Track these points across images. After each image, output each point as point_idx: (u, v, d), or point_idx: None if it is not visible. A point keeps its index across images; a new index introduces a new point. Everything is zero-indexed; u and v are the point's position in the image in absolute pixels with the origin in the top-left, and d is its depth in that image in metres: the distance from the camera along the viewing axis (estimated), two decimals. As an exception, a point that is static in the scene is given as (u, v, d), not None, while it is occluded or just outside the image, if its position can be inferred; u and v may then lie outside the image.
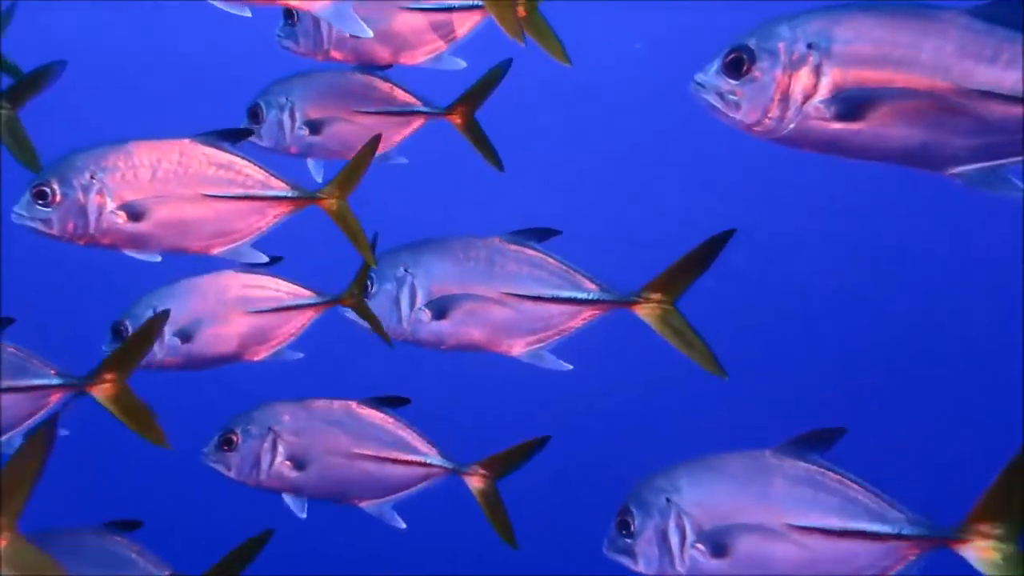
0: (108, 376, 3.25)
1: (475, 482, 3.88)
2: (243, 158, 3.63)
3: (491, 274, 3.78)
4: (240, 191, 3.60)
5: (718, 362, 3.40)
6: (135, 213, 3.53)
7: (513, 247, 3.82)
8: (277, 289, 3.97)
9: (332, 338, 4.15)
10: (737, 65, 2.51)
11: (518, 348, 3.82)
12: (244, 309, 3.86)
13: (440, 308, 3.79)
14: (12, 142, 3.78)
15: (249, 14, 3.20)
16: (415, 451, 3.95)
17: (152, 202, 3.53)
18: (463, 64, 3.96)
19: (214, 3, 3.14)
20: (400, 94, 4.07)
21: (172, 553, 3.73)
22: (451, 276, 3.79)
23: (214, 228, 3.62)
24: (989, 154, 2.43)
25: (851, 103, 2.43)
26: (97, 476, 10.76)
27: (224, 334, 3.87)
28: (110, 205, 3.51)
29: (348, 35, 3.76)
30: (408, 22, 3.80)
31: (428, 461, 3.95)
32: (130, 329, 3.80)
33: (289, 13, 3.82)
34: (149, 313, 3.72)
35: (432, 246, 3.88)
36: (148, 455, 3.54)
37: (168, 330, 3.70)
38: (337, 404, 3.98)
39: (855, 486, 3.01)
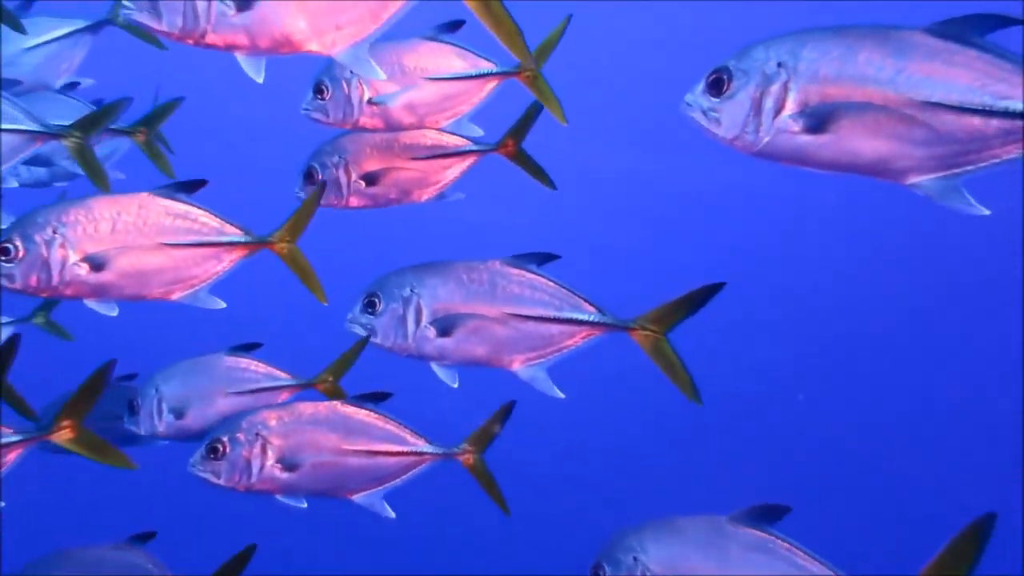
0: (66, 423, 3.48)
1: (467, 460, 4.08)
2: (198, 207, 3.83)
3: (493, 295, 3.97)
4: (196, 238, 3.80)
5: (696, 390, 3.73)
6: (97, 264, 3.71)
7: (514, 270, 4.01)
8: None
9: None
10: (718, 84, 2.75)
11: (517, 364, 4.01)
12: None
13: (444, 326, 3.97)
14: (86, 168, 4.13)
15: (262, 79, 3.33)
16: (404, 442, 4.11)
17: (113, 253, 3.71)
18: (480, 132, 4.22)
19: (239, 60, 3.30)
20: (449, 137, 4.23)
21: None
22: (455, 296, 3.98)
23: (173, 275, 3.82)
24: (945, 164, 2.62)
25: (816, 117, 2.64)
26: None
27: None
28: (73, 257, 3.68)
29: (378, 111, 3.97)
30: (432, 91, 4.01)
31: (421, 450, 4.10)
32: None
33: (319, 88, 3.96)
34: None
35: (436, 268, 4.06)
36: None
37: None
38: (321, 405, 4.11)
39: (803, 555, 3.27)
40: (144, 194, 3.82)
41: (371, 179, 4.14)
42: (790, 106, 2.65)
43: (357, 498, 4.12)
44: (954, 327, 16.68)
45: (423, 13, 3.45)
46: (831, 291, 16.92)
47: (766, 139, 2.70)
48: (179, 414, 4.30)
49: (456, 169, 4.27)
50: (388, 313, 4.01)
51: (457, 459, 4.09)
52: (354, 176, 4.10)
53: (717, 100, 2.74)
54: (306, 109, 4.01)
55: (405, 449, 4.09)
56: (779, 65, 2.66)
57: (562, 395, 4.02)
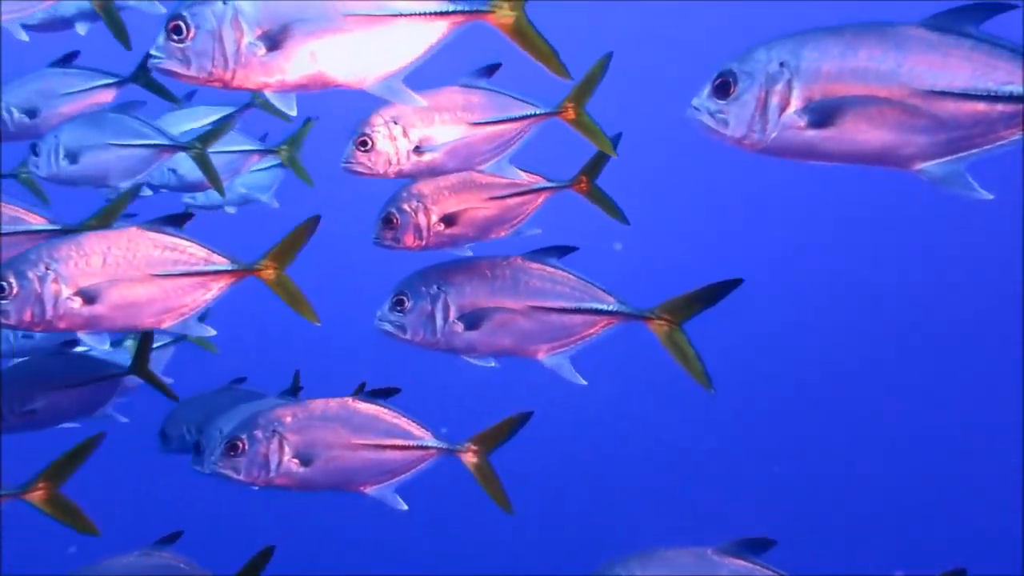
0: (42, 485, 3.71)
1: (469, 458, 4.20)
2: (186, 239, 3.94)
3: (516, 288, 4.14)
4: (184, 268, 3.91)
5: (709, 378, 3.89)
6: (90, 297, 3.80)
7: (535, 264, 4.18)
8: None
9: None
10: (724, 87, 2.86)
11: (542, 353, 4.19)
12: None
13: (471, 320, 4.13)
14: (207, 175, 4.73)
15: (294, 113, 3.38)
16: (412, 436, 4.25)
17: (104, 285, 3.81)
18: (521, 175, 4.21)
19: (270, 97, 3.33)
20: (523, 175, 4.22)
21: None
22: (480, 291, 4.13)
23: (163, 305, 3.91)
24: (948, 149, 2.74)
25: (821, 112, 2.76)
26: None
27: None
28: (65, 292, 3.79)
29: (424, 160, 3.94)
30: (476, 136, 3.98)
31: (425, 444, 4.24)
32: None
33: (363, 141, 3.91)
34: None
35: (461, 265, 4.22)
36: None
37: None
38: (333, 401, 4.25)
39: None
40: (133, 228, 3.94)
41: (449, 220, 4.17)
42: (795, 103, 2.77)
43: (370, 491, 4.26)
44: (954, 327, 16.77)
45: (459, 54, 3.50)
46: (831, 292, 17.02)
47: (773, 136, 2.81)
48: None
49: (531, 206, 4.31)
50: (417, 311, 4.15)
51: (458, 456, 4.21)
52: (433, 218, 4.13)
53: (723, 102, 2.85)
54: (347, 163, 3.97)
55: (410, 443, 4.24)
56: (782, 65, 2.77)
57: (584, 382, 4.17)
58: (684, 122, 2.93)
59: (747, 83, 2.81)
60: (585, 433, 14.08)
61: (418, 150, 3.89)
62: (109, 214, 4.22)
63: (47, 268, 3.78)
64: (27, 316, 3.80)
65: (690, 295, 3.94)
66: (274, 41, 3.23)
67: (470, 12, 3.34)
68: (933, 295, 16.86)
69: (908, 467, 14.28)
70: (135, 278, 3.86)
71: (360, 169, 3.93)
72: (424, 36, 3.34)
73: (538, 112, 3.99)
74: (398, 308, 4.17)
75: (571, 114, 3.96)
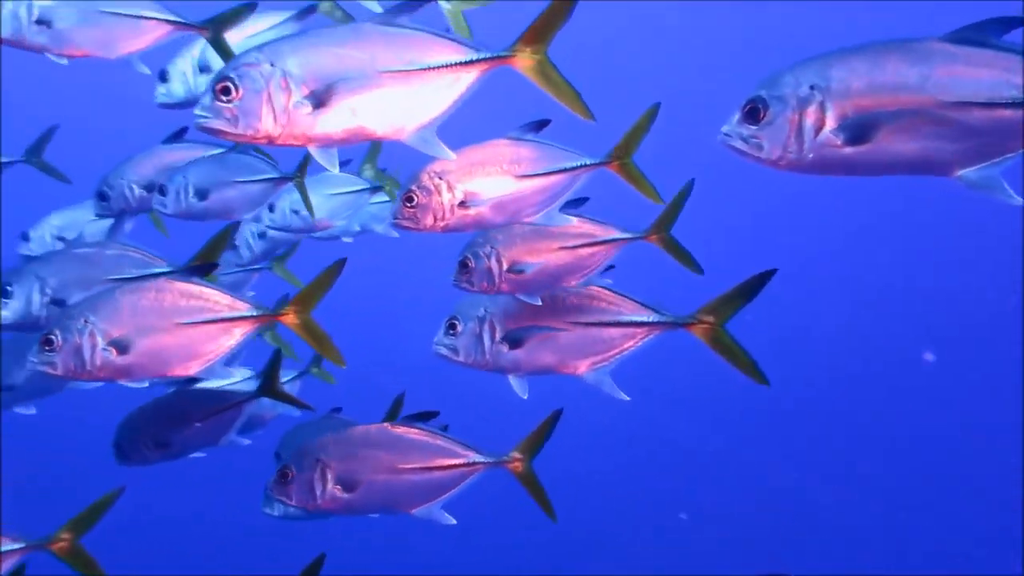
0: (65, 536, 3.97)
1: (516, 468, 4.32)
2: (210, 287, 4.14)
3: (556, 306, 4.29)
4: (209, 316, 4.09)
5: (762, 373, 3.98)
6: (122, 347, 4.01)
7: None
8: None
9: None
10: (754, 113, 3.00)
11: (584, 368, 4.33)
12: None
13: (515, 339, 4.30)
14: (304, 200, 5.14)
15: (337, 169, 3.53)
16: (455, 454, 4.39)
17: (135, 336, 4.02)
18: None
19: (312, 151, 3.48)
20: (596, 226, 4.24)
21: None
22: (522, 311, 4.28)
23: (190, 351, 4.10)
24: (982, 155, 2.87)
25: (856, 129, 2.90)
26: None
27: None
28: (100, 343, 4.00)
29: (471, 214, 3.97)
30: (524, 188, 4.00)
31: (471, 460, 4.38)
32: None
33: (409, 197, 3.95)
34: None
35: None
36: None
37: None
38: (374, 427, 4.42)
39: None
40: (161, 280, 4.16)
41: (522, 268, 4.20)
42: (829, 123, 2.90)
43: (416, 512, 4.40)
44: (954, 326, 16.80)
45: (503, 105, 3.56)
46: (836, 296, 17.06)
47: (811, 156, 2.95)
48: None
49: (603, 255, 4.28)
50: (467, 334, 4.33)
51: (506, 467, 4.34)
52: (505, 265, 4.17)
53: (756, 127, 2.99)
54: (395, 219, 4.04)
55: (457, 461, 4.37)
56: (812, 87, 2.91)
57: (627, 397, 4.29)
58: (716, 146, 3.07)
59: (779, 107, 2.94)
60: (592, 433, 14.15)
61: (464, 204, 3.94)
62: (212, 250, 4.38)
63: (86, 322, 4.00)
64: (71, 367, 4.03)
65: (727, 294, 4.03)
66: (318, 99, 3.37)
67: (495, 58, 3.48)
68: (933, 298, 16.92)
69: (908, 467, 14.32)
70: (163, 327, 4.06)
71: (407, 224, 4.00)
72: (454, 86, 3.49)
73: (586, 163, 4.00)
74: (451, 332, 4.36)
75: (618, 163, 3.97)
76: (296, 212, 5.52)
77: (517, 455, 4.32)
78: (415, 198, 3.93)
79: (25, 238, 6.09)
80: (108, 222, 5.49)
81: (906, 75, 2.84)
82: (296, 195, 5.28)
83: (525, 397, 4.36)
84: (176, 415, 4.74)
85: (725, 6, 20.38)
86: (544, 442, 4.30)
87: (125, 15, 4.37)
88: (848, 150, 2.91)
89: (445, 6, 4.58)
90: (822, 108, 2.90)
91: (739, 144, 3.03)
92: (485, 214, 3.98)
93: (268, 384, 4.67)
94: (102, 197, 5.37)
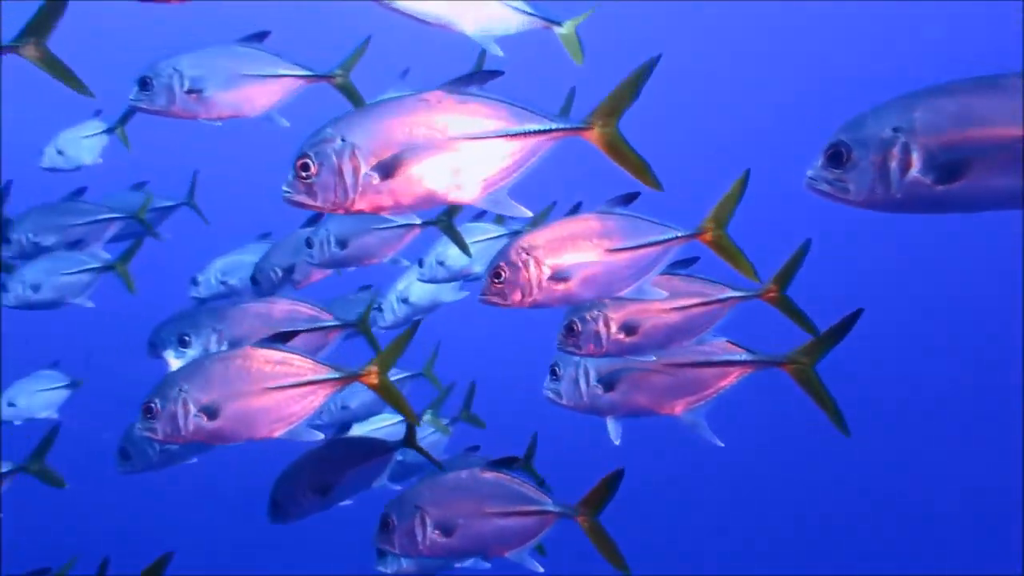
0: None
1: (582, 521, 4.38)
2: (293, 352, 4.30)
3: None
4: (294, 380, 4.24)
5: (844, 422, 4.04)
6: (212, 412, 4.19)
7: None
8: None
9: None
10: (837, 157, 2.97)
11: (680, 408, 4.34)
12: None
13: (609, 382, 4.34)
14: (456, 241, 5.28)
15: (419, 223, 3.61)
16: (532, 501, 4.50)
17: (224, 400, 4.19)
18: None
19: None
20: (711, 285, 4.20)
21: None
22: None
23: (276, 414, 4.25)
24: None
25: (946, 168, 2.83)
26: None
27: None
28: (192, 410, 4.18)
29: (559, 289, 3.92)
30: (616, 261, 3.95)
31: (544, 509, 4.47)
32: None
33: (496, 273, 3.93)
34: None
35: None
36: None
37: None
38: (464, 473, 4.58)
39: None
40: (247, 348, 4.31)
41: (630, 329, 4.16)
42: (916, 163, 2.85)
43: (509, 555, 4.51)
44: (954, 326, 16.42)
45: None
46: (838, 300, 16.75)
47: (899, 196, 2.90)
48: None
49: (719, 315, 4.21)
50: (566, 378, 4.40)
51: (574, 519, 4.41)
52: (613, 328, 4.15)
53: (840, 171, 2.96)
54: (483, 295, 4.01)
55: (532, 508, 4.48)
56: (895, 130, 2.87)
57: (721, 444, 4.28)
58: (803, 189, 3.04)
59: (862, 151, 2.91)
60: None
61: (553, 279, 3.90)
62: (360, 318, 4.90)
63: (180, 390, 4.20)
64: (168, 432, 4.23)
65: (820, 338, 4.05)
66: (387, 169, 3.49)
67: (568, 129, 3.56)
68: (933, 296, 16.52)
69: (908, 467, 13.99)
70: (250, 392, 4.22)
71: (495, 300, 3.97)
72: (526, 152, 3.56)
73: (677, 236, 3.95)
74: (553, 377, 4.45)
75: (710, 236, 3.92)
76: (442, 264, 5.80)
77: (583, 509, 4.39)
78: (502, 274, 3.92)
79: (194, 282, 6.48)
80: None
81: (997, 110, 2.78)
82: (440, 247, 5.56)
83: (617, 443, 4.39)
84: (335, 462, 4.97)
85: (724, 6, 20.24)
86: (609, 498, 4.35)
87: (265, 75, 4.69)
88: (939, 189, 2.85)
89: (559, 31, 4.61)
90: (907, 149, 2.86)
91: (825, 187, 3.01)
92: (574, 289, 3.93)
93: (409, 437, 4.96)
94: (256, 282, 5.92)
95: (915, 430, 14.79)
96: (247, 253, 6.34)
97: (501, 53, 4.43)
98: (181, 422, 4.18)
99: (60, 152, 6.84)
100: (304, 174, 3.52)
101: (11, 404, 7.06)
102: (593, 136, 3.52)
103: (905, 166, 2.86)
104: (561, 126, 3.54)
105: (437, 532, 4.44)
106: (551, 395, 4.46)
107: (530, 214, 3.66)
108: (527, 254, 3.90)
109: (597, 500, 4.35)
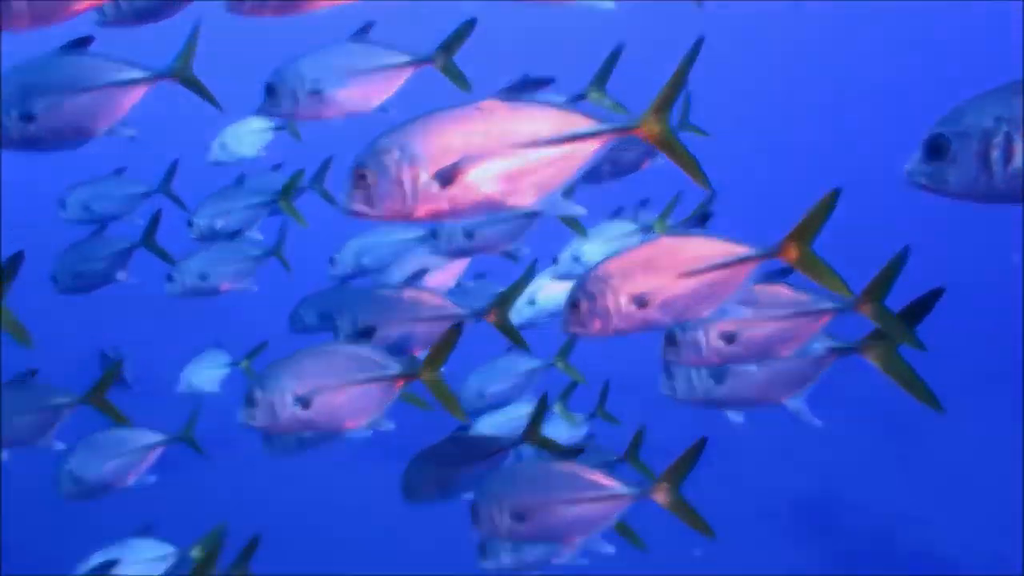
0: None
1: (661, 498, 4.31)
2: (371, 351, 4.61)
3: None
4: (371, 374, 4.57)
5: (936, 398, 3.98)
6: (305, 403, 4.53)
7: None
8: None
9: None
10: (938, 151, 2.88)
11: (785, 396, 4.37)
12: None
13: (717, 375, 4.42)
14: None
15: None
16: (604, 487, 4.47)
17: (314, 393, 4.53)
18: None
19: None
20: (804, 295, 4.10)
21: None
22: None
23: (359, 406, 4.58)
24: None
25: None
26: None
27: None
28: (289, 400, 4.53)
29: (639, 315, 3.89)
30: (689, 286, 3.91)
31: (616, 493, 4.44)
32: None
33: (574, 303, 3.94)
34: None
35: None
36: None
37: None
38: (536, 463, 4.76)
39: None
40: (333, 345, 4.70)
41: (730, 338, 4.12)
42: (1020, 152, 2.78)
43: (580, 540, 4.55)
44: (954, 326, 16.29)
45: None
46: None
47: (1003, 186, 2.82)
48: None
49: (815, 325, 4.11)
50: (680, 375, 4.49)
51: (651, 498, 4.35)
52: (713, 336, 4.11)
53: (941, 163, 2.89)
54: (565, 325, 4.02)
55: (605, 494, 4.46)
56: (997, 119, 2.79)
57: (819, 423, 4.29)
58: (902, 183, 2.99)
59: (962, 143, 2.84)
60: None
61: (631, 305, 3.86)
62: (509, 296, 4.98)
63: (276, 381, 4.54)
64: (267, 420, 4.56)
65: (899, 315, 3.92)
66: (445, 177, 3.47)
67: (620, 129, 3.54)
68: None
69: (908, 467, 13.96)
70: (336, 386, 4.52)
71: (577, 330, 3.98)
72: (580, 154, 3.55)
73: (756, 254, 3.81)
74: (669, 374, 4.52)
75: (795, 255, 3.74)
76: (577, 259, 5.90)
77: (663, 483, 4.32)
78: (580, 304, 3.92)
79: (331, 262, 6.78)
80: None
81: None
82: (576, 243, 5.67)
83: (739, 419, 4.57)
84: (459, 457, 5.13)
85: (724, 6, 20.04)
86: (690, 470, 4.28)
87: (378, 68, 4.84)
88: None
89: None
90: (1009, 139, 2.78)
91: (925, 181, 2.95)
92: (654, 314, 3.88)
93: (530, 431, 4.94)
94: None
95: (914, 428, 14.71)
96: (381, 235, 6.61)
97: (612, 5, 4.38)
98: (278, 411, 4.51)
99: (223, 147, 7.53)
100: (363, 184, 3.52)
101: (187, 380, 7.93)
102: (646, 134, 3.51)
103: (1008, 156, 2.78)
104: (612, 127, 3.54)
105: (513, 520, 4.51)
106: (667, 391, 4.53)
107: (584, 211, 3.68)
108: (603, 283, 3.87)
109: (678, 472, 4.28)
